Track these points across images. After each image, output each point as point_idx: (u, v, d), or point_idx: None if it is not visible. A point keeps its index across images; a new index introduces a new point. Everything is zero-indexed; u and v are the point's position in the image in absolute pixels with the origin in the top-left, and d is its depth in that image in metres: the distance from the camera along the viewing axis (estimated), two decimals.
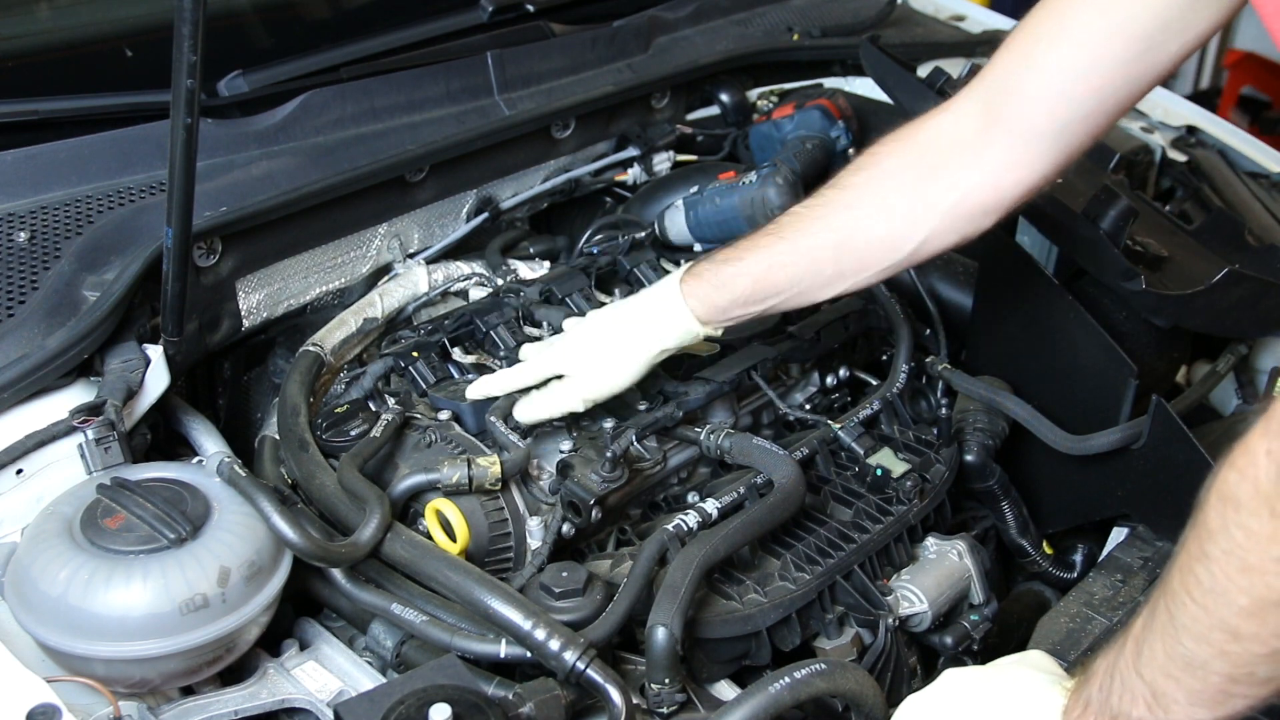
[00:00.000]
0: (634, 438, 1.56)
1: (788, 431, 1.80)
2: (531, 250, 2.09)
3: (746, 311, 1.55)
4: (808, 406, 1.84)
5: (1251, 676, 0.97)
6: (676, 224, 1.97)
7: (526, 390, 1.60)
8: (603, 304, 1.88)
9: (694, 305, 1.53)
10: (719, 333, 1.57)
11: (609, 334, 1.57)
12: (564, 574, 1.38)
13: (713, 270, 1.53)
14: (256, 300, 1.76)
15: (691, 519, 1.46)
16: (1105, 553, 1.71)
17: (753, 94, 2.40)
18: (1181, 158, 2.29)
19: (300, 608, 1.48)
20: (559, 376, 1.57)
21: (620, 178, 2.21)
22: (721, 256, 1.54)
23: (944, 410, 1.69)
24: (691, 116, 2.36)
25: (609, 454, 1.51)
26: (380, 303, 1.83)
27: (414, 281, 1.89)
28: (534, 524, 1.53)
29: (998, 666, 1.22)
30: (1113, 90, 1.36)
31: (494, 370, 1.76)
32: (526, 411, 1.57)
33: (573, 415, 1.60)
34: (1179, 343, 1.83)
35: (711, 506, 1.48)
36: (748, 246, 1.53)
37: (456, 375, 1.74)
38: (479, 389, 1.61)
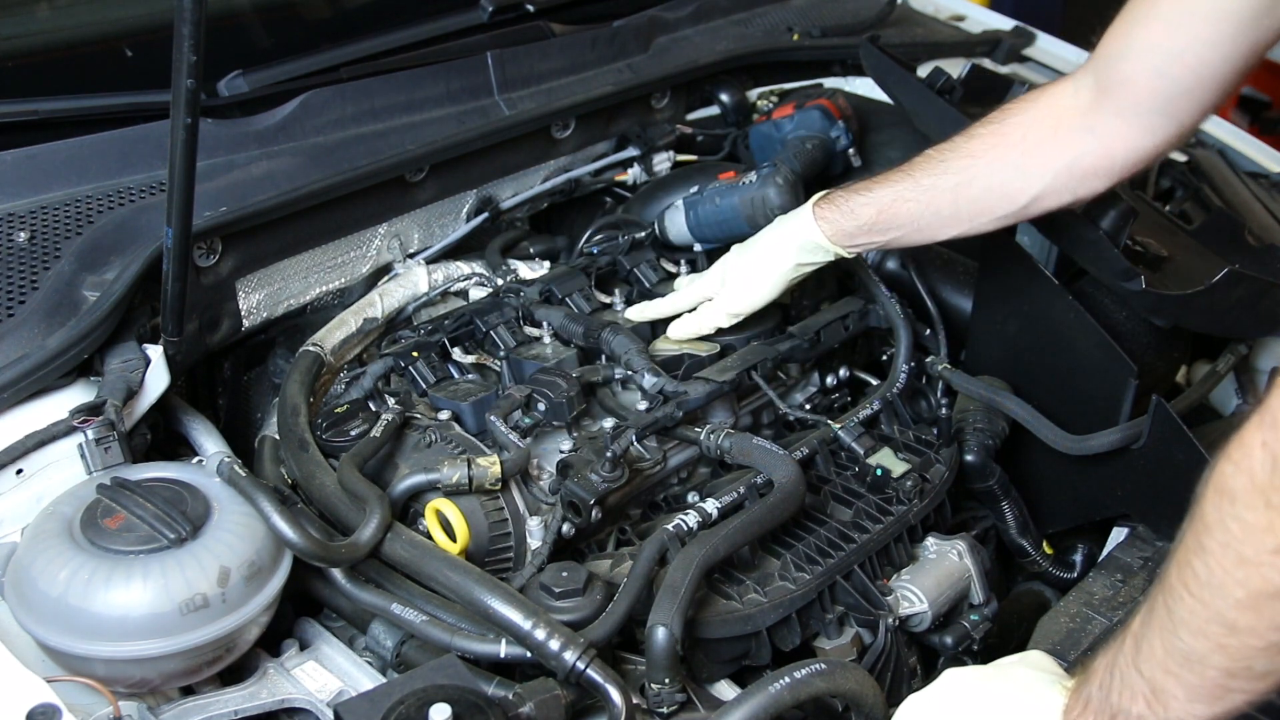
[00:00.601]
0: (634, 438, 1.56)
1: (788, 431, 1.80)
2: (531, 250, 2.09)
3: (871, 240, 1.70)
4: (808, 406, 1.84)
5: (1249, 670, 0.97)
6: (676, 224, 1.97)
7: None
8: (603, 304, 1.88)
9: (824, 227, 1.69)
10: (849, 255, 1.73)
11: (751, 257, 1.76)
12: (564, 574, 1.38)
13: (844, 198, 1.70)
14: (256, 300, 1.76)
15: (691, 519, 1.46)
16: (1105, 553, 1.71)
17: (753, 94, 2.40)
18: (1181, 158, 2.29)
19: (300, 608, 1.48)
20: (708, 300, 1.78)
21: (620, 178, 2.21)
22: (855, 187, 1.71)
23: (944, 410, 1.69)
24: (691, 116, 2.36)
25: (609, 454, 1.50)
26: (380, 303, 1.83)
27: (414, 281, 1.89)
28: (534, 524, 1.53)
29: (998, 666, 1.22)
30: (1211, 68, 1.43)
31: (494, 370, 1.77)
32: (679, 330, 1.79)
33: (573, 415, 1.60)
34: (1179, 343, 1.83)
35: (711, 506, 1.48)
36: (880, 180, 1.69)
37: (456, 375, 1.75)
38: (640, 312, 1.82)
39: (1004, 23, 2.70)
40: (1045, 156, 1.58)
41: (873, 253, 1.98)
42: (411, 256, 1.95)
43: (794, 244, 1.72)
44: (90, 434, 1.40)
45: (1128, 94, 1.50)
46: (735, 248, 1.80)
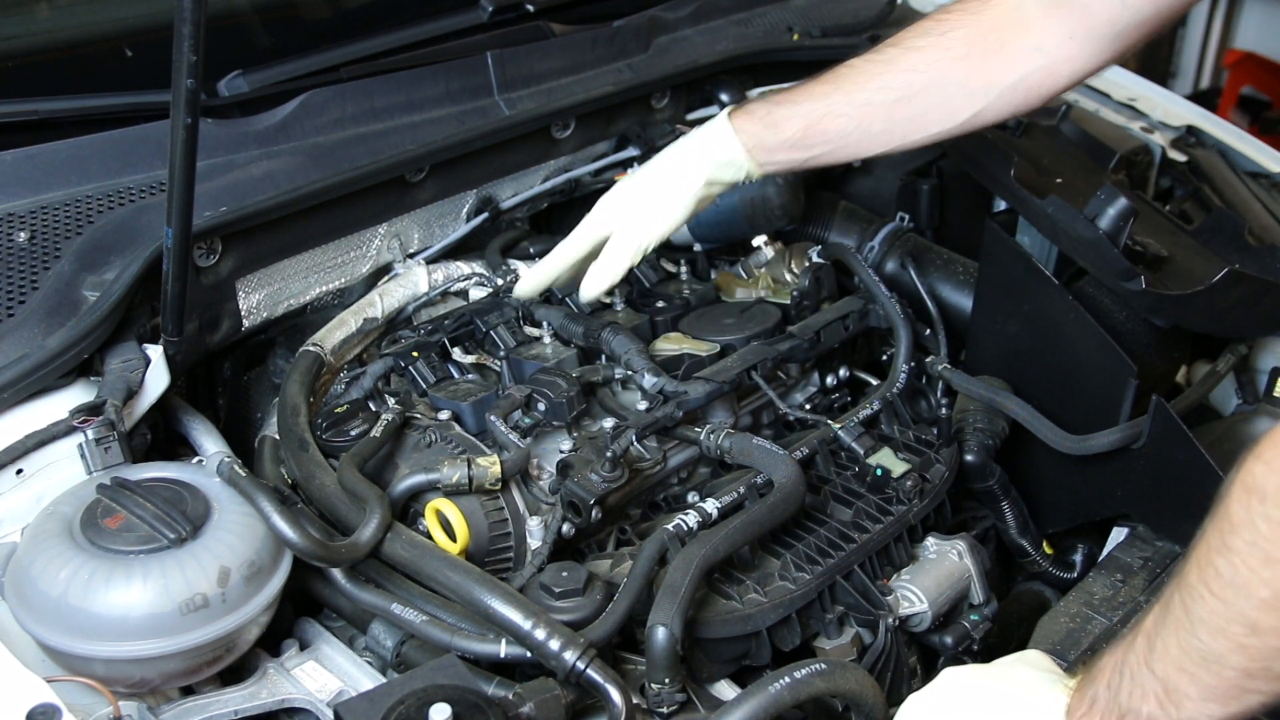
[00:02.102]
0: (634, 438, 1.56)
1: (788, 431, 1.80)
2: (531, 250, 2.08)
3: (793, 156, 1.57)
4: (808, 406, 1.84)
5: (1267, 671, 0.97)
6: None
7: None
8: (603, 304, 1.88)
9: (743, 139, 1.55)
10: (761, 172, 1.58)
11: (652, 176, 1.58)
12: (564, 574, 1.38)
13: (765, 109, 1.56)
14: (256, 300, 1.76)
15: (691, 519, 1.46)
16: (1105, 553, 1.71)
17: (753, 94, 2.40)
18: (1181, 158, 2.29)
19: (300, 608, 1.48)
20: (607, 239, 1.57)
21: (620, 178, 2.21)
22: (775, 98, 1.57)
23: (944, 410, 1.69)
24: (691, 116, 2.36)
25: (609, 454, 1.51)
26: (380, 303, 1.83)
27: (414, 281, 1.89)
28: (534, 524, 1.53)
29: (998, 666, 1.22)
30: (1168, 2, 1.44)
31: (495, 369, 1.76)
32: (589, 288, 1.57)
33: (573, 415, 1.60)
34: (1179, 343, 1.83)
35: (711, 506, 1.48)
36: (804, 92, 1.56)
37: (456, 375, 1.75)
38: (528, 281, 1.62)
39: None
40: (991, 73, 1.52)
41: (873, 253, 1.98)
42: (411, 256, 1.95)
43: (705, 159, 1.56)
44: (90, 434, 1.40)
45: (1083, 18, 1.47)
46: (630, 174, 1.61)
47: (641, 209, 1.56)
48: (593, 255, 1.61)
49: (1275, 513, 0.92)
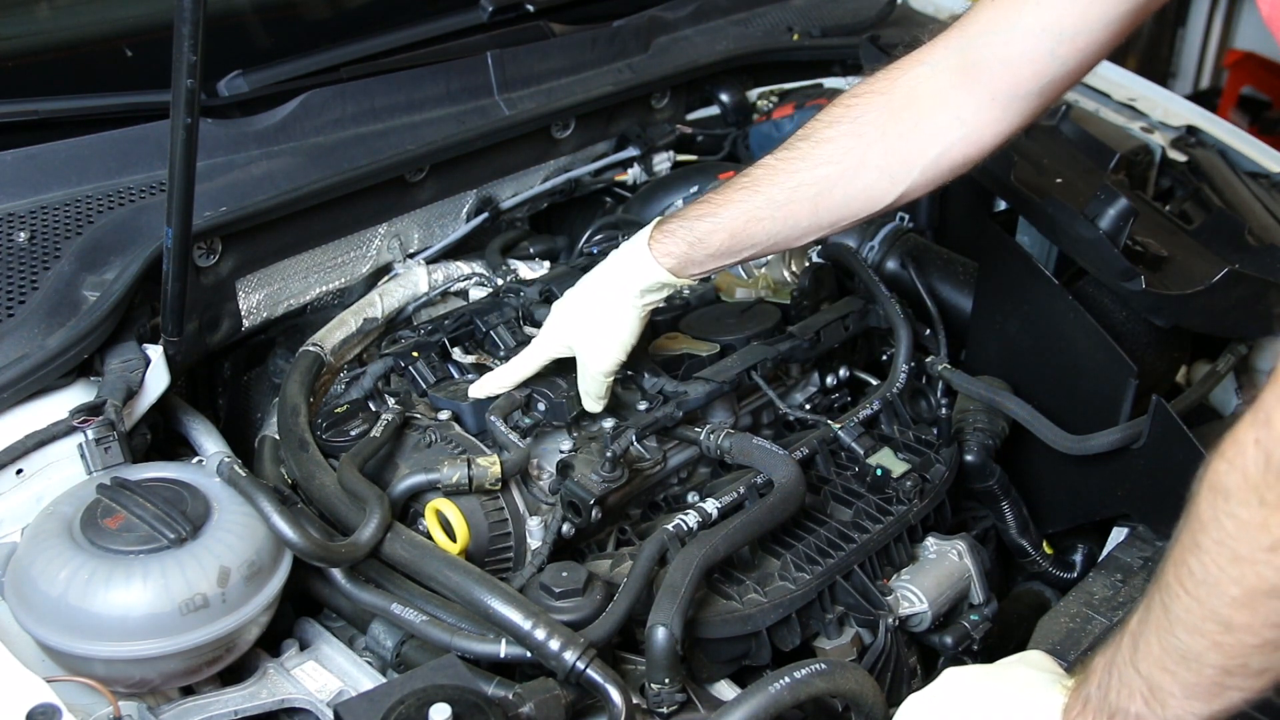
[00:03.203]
0: (634, 438, 1.56)
1: (788, 431, 1.80)
2: (531, 250, 2.09)
3: (722, 264, 1.57)
4: (808, 406, 1.84)
5: (1245, 668, 0.97)
6: None
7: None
8: None
9: (666, 261, 1.53)
10: (695, 282, 1.59)
11: (591, 305, 1.58)
12: (564, 574, 1.38)
13: (686, 226, 1.54)
14: (256, 300, 1.76)
15: (691, 519, 1.46)
16: (1105, 553, 1.72)
17: (753, 94, 2.40)
18: (1181, 158, 2.29)
19: (300, 608, 1.48)
20: (557, 360, 1.60)
21: (620, 178, 2.21)
22: (695, 212, 1.54)
23: (944, 410, 1.69)
24: (691, 116, 2.36)
25: (609, 454, 1.51)
26: (380, 303, 1.83)
27: (414, 281, 1.89)
28: (534, 524, 1.53)
29: (998, 666, 1.22)
30: (1097, 48, 1.38)
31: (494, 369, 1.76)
32: (590, 408, 1.60)
33: (573, 415, 1.60)
34: (1179, 343, 1.83)
35: (711, 506, 1.48)
36: (721, 201, 1.53)
37: (456, 375, 1.75)
38: (481, 388, 1.62)
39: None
40: (910, 154, 1.47)
41: (873, 253, 1.98)
42: (411, 256, 1.95)
43: (633, 288, 1.55)
44: (90, 434, 1.40)
45: (1005, 77, 1.41)
46: (567, 299, 1.61)
47: (589, 341, 1.57)
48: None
49: (1240, 511, 0.93)
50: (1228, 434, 0.94)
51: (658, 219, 1.58)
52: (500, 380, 1.61)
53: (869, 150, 1.48)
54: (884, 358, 1.96)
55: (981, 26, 1.42)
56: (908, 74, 1.47)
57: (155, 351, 1.53)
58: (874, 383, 1.88)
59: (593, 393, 1.60)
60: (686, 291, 1.59)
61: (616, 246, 1.95)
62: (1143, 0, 1.34)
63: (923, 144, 1.46)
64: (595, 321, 1.57)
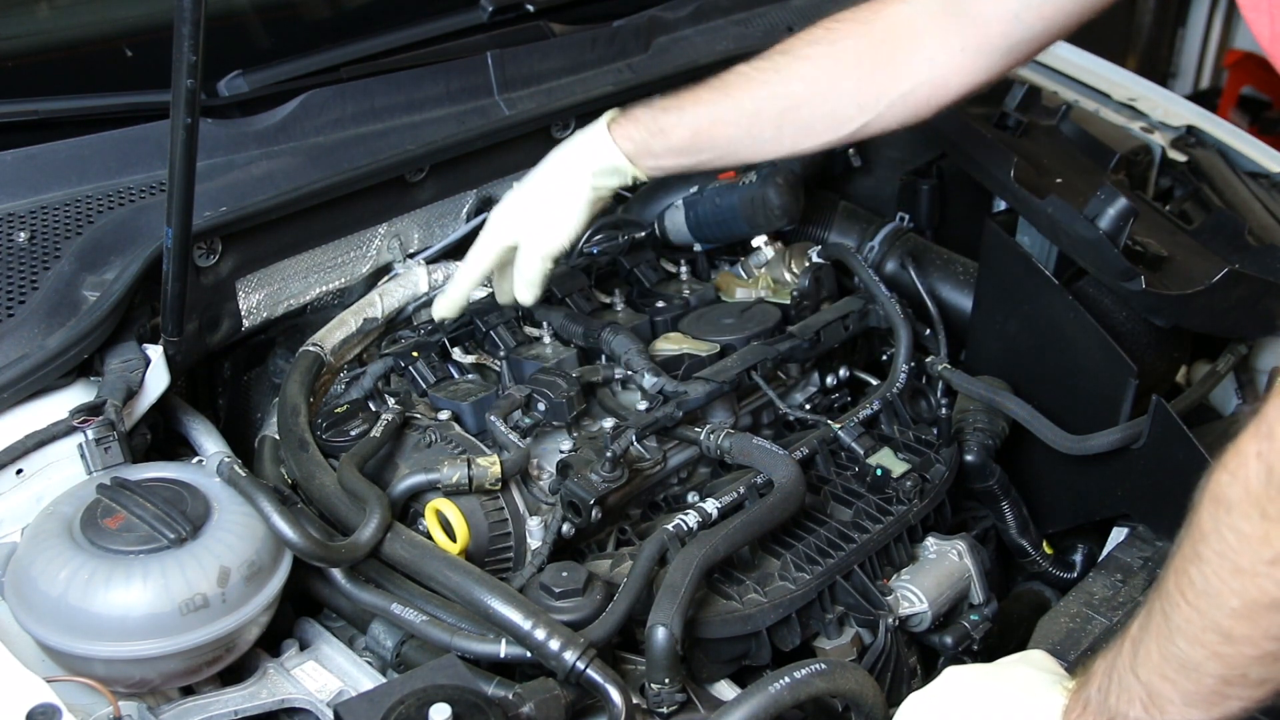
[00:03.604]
0: (634, 438, 1.56)
1: (788, 431, 1.80)
2: None
3: (679, 161, 1.58)
4: (808, 406, 1.84)
5: (1244, 678, 0.97)
6: (676, 224, 1.97)
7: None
8: (603, 304, 1.89)
9: (625, 146, 1.55)
10: (648, 177, 1.60)
11: (540, 187, 1.59)
12: (564, 574, 1.38)
13: (650, 116, 1.56)
14: (256, 300, 1.76)
15: (691, 519, 1.46)
16: (1105, 553, 1.72)
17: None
18: (1181, 158, 2.29)
19: (300, 608, 1.48)
20: (513, 248, 1.59)
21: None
22: (661, 104, 1.57)
23: (944, 410, 1.69)
24: None
25: (609, 454, 1.51)
26: (380, 303, 1.83)
27: (414, 281, 1.89)
28: (534, 524, 1.53)
29: (999, 665, 1.22)
30: (1061, 18, 1.45)
31: (495, 369, 1.77)
32: (503, 295, 1.60)
33: (573, 415, 1.60)
34: (1179, 343, 1.83)
35: (711, 506, 1.48)
36: (690, 98, 1.56)
37: (456, 375, 1.75)
38: (441, 304, 1.62)
39: None
40: (881, 85, 1.52)
41: (873, 253, 1.98)
42: (411, 256, 1.95)
43: (587, 168, 1.56)
44: (90, 434, 1.40)
45: (977, 31, 1.47)
46: (518, 186, 1.61)
47: (537, 222, 1.57)
48: (499, 265, 1.64)
49: (1241, 524, 0.93)
50: (1230, 445, 0.94)
51: (618, 109, 1.59)
52: (458, 288, 1.62)
53: (843, 75, 1.52)
54: (884, 358, 1.96)
55: None
56: (891, 8, 1.53)
57: (155, 351, 1.53)
58: (874, 383, 1.88)
59: (529, 279, 1.58)
60: (635, 180, 1.59)
61: (617, 246, 1.97)
62: None
63: (894, 78, 1.51)
64: (544, 201, 1.57)
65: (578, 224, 1.58)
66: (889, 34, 1.51)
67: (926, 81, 1.50)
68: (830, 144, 1.57)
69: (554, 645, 1.26)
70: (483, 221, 2.01)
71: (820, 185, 2.16)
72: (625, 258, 1.96)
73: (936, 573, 1.60)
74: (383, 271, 1.93)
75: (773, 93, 1.53)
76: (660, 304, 1.89)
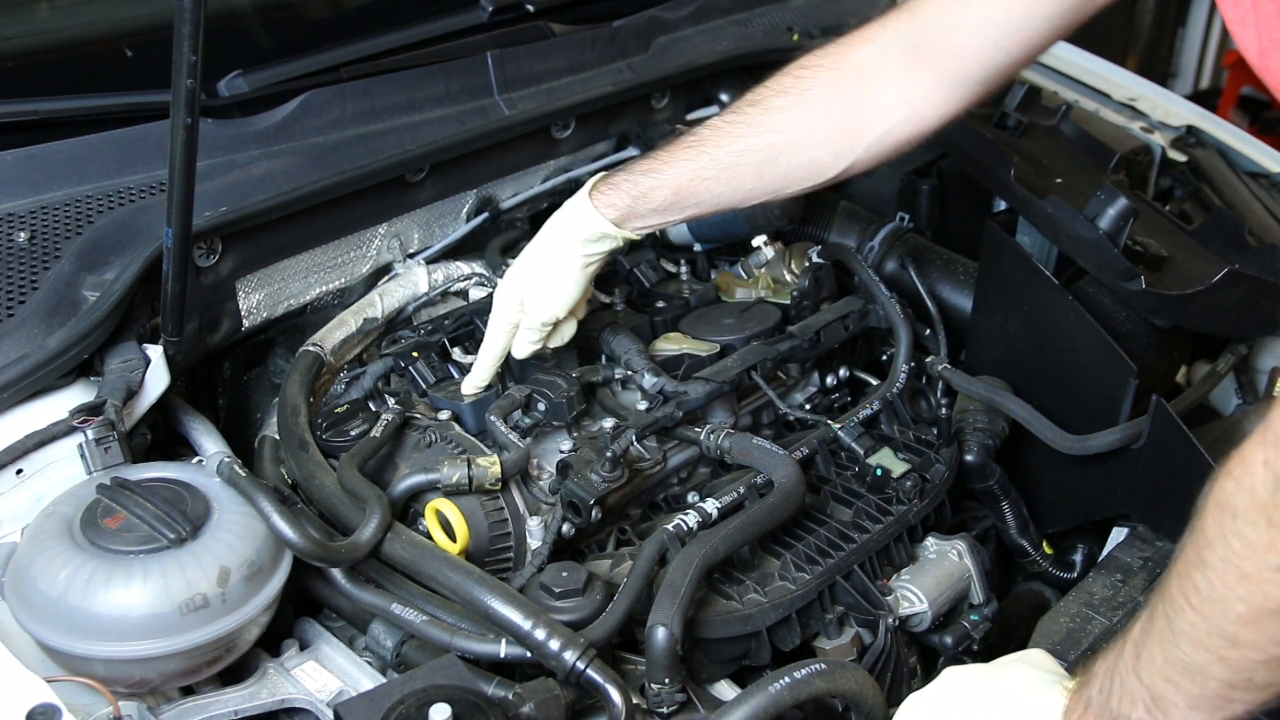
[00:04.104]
0: (634, 438, 1.56)
1: (788, 431, 1.80)
2: None
3: (666, 219, 1.61)
4: (808, 406, 1.84)
5: (1249, 683, 0.97)
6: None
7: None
8: (603, 304, 1.89)
9: (609, 214, 1.58)
10: (638, 236, 1.62)
11: (535, 263, 1.63)
12: (564, 574, 1.38)
13: (631, 181, 1.58)
14: (256, 300, 1.76)
15: (691, 519, 1.46)
16: (1105, 553, 1.71)
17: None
18: (1181, 158, 2.29)
19: (300, 608, 1.48)
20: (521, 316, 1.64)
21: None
22: (641, 167, 1.59)
23: (944, 410, 1.69)
24: (691, 116, 2.36)
25: (609, 454, 1.51)
26: (380, 303, 1.83)
27: (414, 281, 1.89)
28: (534, 524, 1.53)
29: (999, 665, 1.22)
30: (1041, 41, 1.44)
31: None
32: (518, 351, 1.65)
33: (573, 415, 1.60)
34: (1179, 343, 1.83)
35: (711, 506, 1.48)
36: (667, 159, 1.58)
37: (456, 375, 1.74)
38: (469, 385, 1.66)
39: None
40: (855, 130, 1.52)
41: (873, 253, 1.98)
42: (411, 256, 1.95)
43: (575, 238, 1.60)
44: (90, 434, 1.40)
45: (952, 64, 1.46)
46: (516, 261, 1.66)
47: (536, 293, 1.62)
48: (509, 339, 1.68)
49: (1247, 530, 0.93)
50: (1235, 452, 0.94)
51: (599, 175, 1.62)
52: (481, 371, 1.65)
53: (815, 124, 1.52)
54: (884, 358, 1.96)
55: (930, 15, 1.47)
56: (857, 51, 1.52)
57: (155, 351, 1.52)
58: (874, 383, 1.88)
59: (527, 340, 1.64)
60: (626, 242, 1.63)
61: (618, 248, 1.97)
62: None
63: (869, 121, 1.51)
64: (541, 272, 1.61)
65: (574, 292, 1.62)
66: (858, 78, 1.51)
67: (903, 120, 1.51)
68: (815, 187, 1.59)
69: (554, 645, 1.26)
70: (482, 221, 2.03)
71: None
72: (625, 258, 1.96)
73: (936, 573, 1.60)
74: (383, 271, 1.93)
75: (747, 146, 1.54)
76: (660, 304, 1.89)
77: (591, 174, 2.14)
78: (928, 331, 1.89)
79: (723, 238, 1.99)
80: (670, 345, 1.78)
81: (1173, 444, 1.56)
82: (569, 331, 1.69)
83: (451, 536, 1.45)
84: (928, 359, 1.82)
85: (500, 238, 2.06)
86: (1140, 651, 1.03)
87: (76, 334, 1.46)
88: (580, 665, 1.25)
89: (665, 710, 1.31)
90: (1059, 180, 1.86)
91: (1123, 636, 1.07)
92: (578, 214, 1.60)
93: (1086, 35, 1.62)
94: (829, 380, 1.90)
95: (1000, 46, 1.43)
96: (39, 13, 2.08)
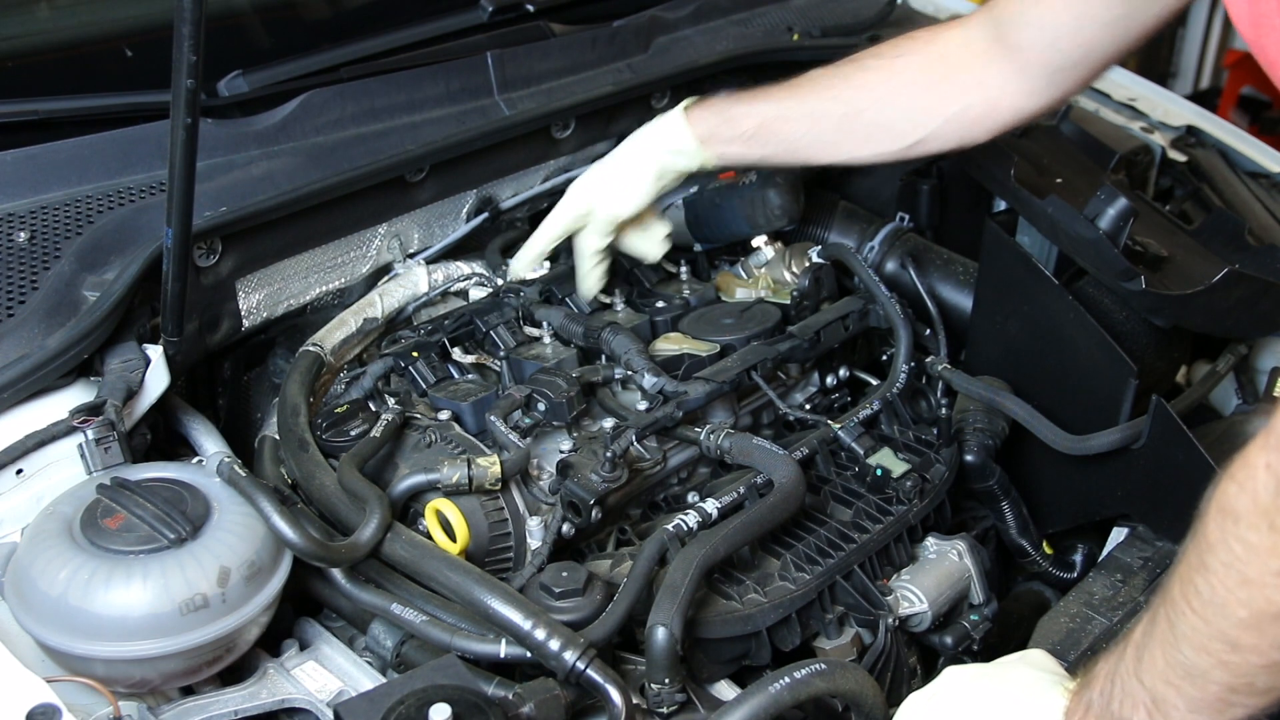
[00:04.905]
0: (634, 438, 1.56)
1: (788, 431, 1.80)
2: None
3: (745, 151, 1.68)
4: (808, 406, 1.84)
5: (1250, 687, 0.97)
6: (676, 224, 1.97)
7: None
8: (603, 304, 1.89)
9: (697, 129, 1.67)
10: (716, 164, 1.69)
11: (614, 162, 1.73)
12: (564, 574, 1.38)
13: (723, 104, 1.68)
14: (256, 300, 1.76)
15: (691, 519, 1.46)
16: (1105, 553, 1.71)
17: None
18: (1181, 158, 2.29)
19: (300, 608, 1.48)
20: (586, 215, 1.75)
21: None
22: (735, 96, 1.69)
23: (944, 410, 1.69)
24: None
25: (609, 454, 1.51)
26: (380, 303, 1.83)
27: (414, 281, 1.89)
28: (534, 524, 1.53)
29: (999, 665, 1.22)
30: (1101, 45, 1.50)
31: (495, 369, 1.77)
32: (584, 288, 1.77)
33: (573, 415, 1.60)
34: (1179, 343, 1.83)
35: (711, 506, 1.48)
36: (762, 93, 1.68)
37: (456, 375, 1.75)
38: (519, 263, 1.80)
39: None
40: (934, 102, 1.60)
41: (873, 253, 1.98)
42: (411, 256, 1.95)
43: (658, 146, 1.69)
44: (90, 434, 1.40)
45: (1019, 58, 1.54)
46: (595, 163, 1.77)
47: (608, 192, 1.71)
48: (571, 231, 1.79)
49: (1249, 535, 0.93)
50: (1237, 456, 0.94)
51: (695, 97, 1.71)
52: (532, 251, 1.77)
53: (898, 90, 1.61)
54: (884, 358, 1.96)
55: (1003, 10, 1.56)
56: (947, 33, 1.62)
57: (155, 351, 1.53)
58: (874, 383, 1.88)
59: (594, 238, 1.73)
60: (701, 168, 1.72)
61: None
62: (1138, 7, 1.45)
63: (946, 98, 1.59)
64: (616, 174, 1.71)
65: (644, 195, 1.71)
66: (944, 55, 1.60)
67: (977, 103, 1.58)
68: (889, 156, 1.66)
69: (554, 645, 1.26)
70: (482, 221, 2.03)
71: (820, 185, 2.16)
72: (625, 258, 1.96)
73: (936, 573, 1.60)
74: (383, 271, 1.93)
75: (835, 96, 1.63)
76: (660, 304, 1.89)
77: None
78: (928, 331, 1.89)
79: (723, 238, 1.99)
80: (670, 345, 1.79)
81: (1173, 444, 1.56)
82: (647, 248, 1.78)
83: (451, 536, 1.45)
84: (928, 359, 1.82)
85: (500, 238, 2.06)
86: (1141, 654, 1.03)
87: (76, 334, 1.46)
88: (580, 665, 1.25)
89: (665, 710, 1.31)
90: (1059, 180, 1.87)
91: (1124, 639, 1.07)
92: (667, 124, 1.69)
93: None
94: (829, 380, 1.90)
95: (1056, 47, 1.50)
96: (39, 13, 2.08)
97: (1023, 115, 1.61)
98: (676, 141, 1.67)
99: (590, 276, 1.81)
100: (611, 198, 1.70)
